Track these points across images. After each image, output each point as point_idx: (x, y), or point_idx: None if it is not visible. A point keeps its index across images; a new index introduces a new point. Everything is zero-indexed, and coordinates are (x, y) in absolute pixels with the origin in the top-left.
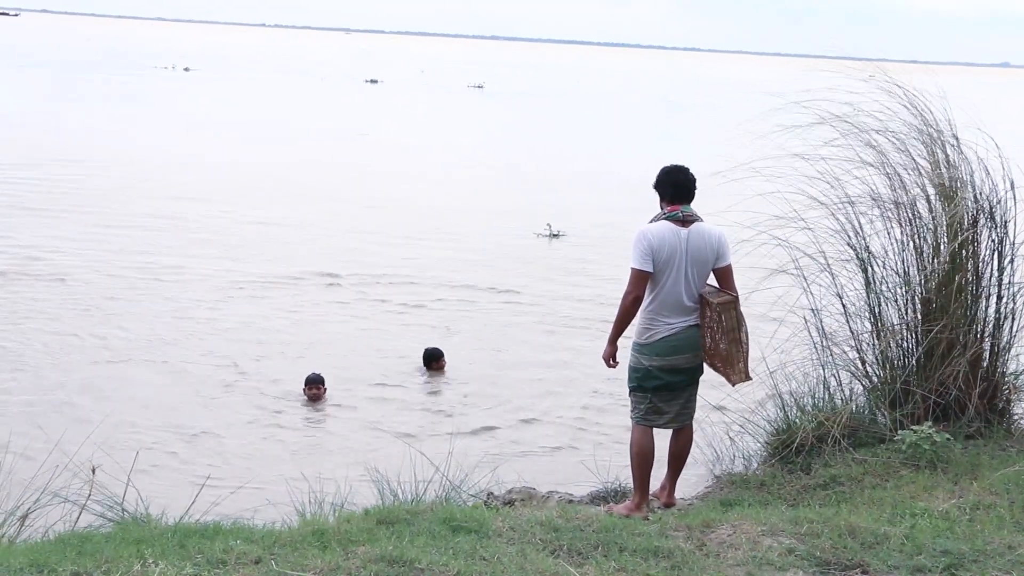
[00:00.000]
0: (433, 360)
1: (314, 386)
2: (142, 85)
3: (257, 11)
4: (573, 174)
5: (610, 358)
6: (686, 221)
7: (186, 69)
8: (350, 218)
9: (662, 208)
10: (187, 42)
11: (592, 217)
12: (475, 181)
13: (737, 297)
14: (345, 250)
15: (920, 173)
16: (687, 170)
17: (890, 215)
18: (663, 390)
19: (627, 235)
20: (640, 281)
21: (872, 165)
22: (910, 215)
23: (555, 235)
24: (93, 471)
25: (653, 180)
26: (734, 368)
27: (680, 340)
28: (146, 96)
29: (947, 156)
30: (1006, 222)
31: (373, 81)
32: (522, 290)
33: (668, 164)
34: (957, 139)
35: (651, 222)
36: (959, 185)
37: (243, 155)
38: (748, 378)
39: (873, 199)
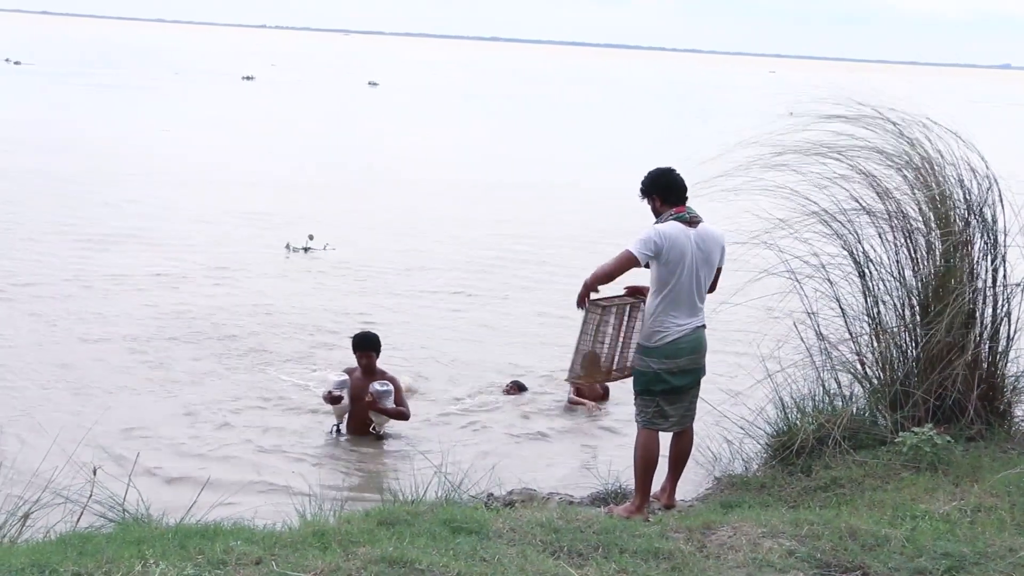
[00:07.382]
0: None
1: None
2: None
3: (259, 13)
4: (411, 180)
5: (584, 299)
6: (692, 222)
7: (17, 63)
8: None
9: (656, 212)
10: (97, 38)
11: (384, 228)
12: (268, 185)
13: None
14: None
15: (906, 179)
16: (675, 171)
17: (882, 220)
18: (669, 393)
19: (398, 256)
20: (626, 264)
21: (863, 173)
22: (901, 220)
23: (307, 249)
24: (95, 471)
25: (640, 187)
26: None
27: (688, 341)
28: None
29: (933, 158)
30: (996, 223)
31: (249, 78)
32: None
33: (654, 168)
34: (939, 149)
35: (657, 223)
36: (947, 187)
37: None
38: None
39: (866, 211)
